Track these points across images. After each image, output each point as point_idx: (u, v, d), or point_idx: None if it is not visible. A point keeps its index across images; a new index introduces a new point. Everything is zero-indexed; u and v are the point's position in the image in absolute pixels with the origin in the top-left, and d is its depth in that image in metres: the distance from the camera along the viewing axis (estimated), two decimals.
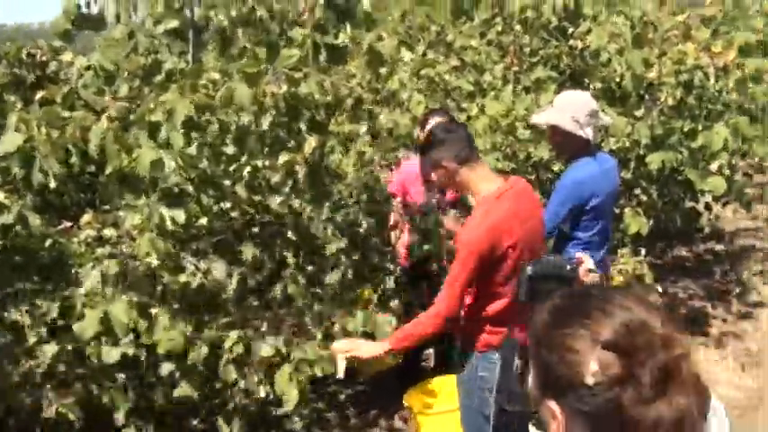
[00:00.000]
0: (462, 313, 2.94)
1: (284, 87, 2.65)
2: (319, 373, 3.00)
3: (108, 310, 2.65)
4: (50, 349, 3.07)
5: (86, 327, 2.63)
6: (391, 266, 3.73)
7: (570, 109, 3.50)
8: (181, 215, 2.70)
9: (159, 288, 2.94)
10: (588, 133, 3.50)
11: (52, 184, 2.65)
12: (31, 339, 3.07)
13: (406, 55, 4.54)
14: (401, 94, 4.84)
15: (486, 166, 3.00)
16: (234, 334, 3.08)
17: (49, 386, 3.07)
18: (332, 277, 3.29)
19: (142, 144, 2.53)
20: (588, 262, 2.63)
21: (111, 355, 2.90)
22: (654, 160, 4.81)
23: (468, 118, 4.45)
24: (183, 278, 3.04)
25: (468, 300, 2.94)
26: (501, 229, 2.78)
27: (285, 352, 3.07)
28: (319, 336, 3.13)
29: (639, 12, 5.41)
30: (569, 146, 3.58)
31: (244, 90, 2.49)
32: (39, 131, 2.63)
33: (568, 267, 2.36)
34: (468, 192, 3.02)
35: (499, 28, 5.14)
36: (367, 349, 2.94)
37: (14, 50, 3.58)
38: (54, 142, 2.61)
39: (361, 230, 3.46)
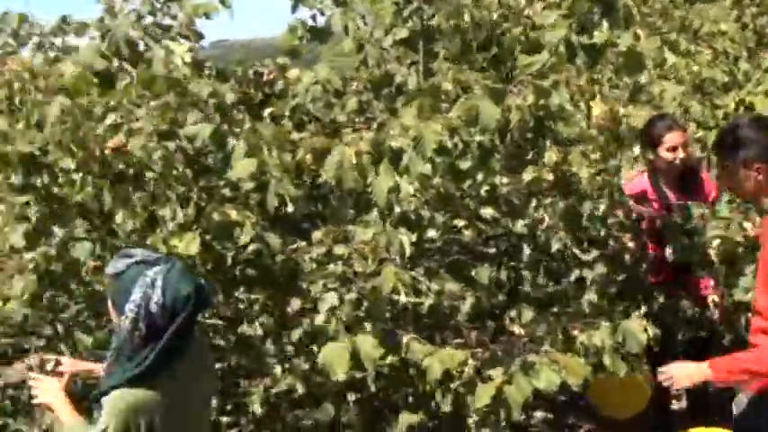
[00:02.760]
0: None
1: (530, 98, 2.39)
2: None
3: (355, 343, 2.53)
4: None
5: (334, 363, 2.53)
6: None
7: None
8: (415, 236, 2.54)
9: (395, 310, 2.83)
10: None
11: (290, 209, 2.61)
12: (268, 359, 3.09)
13: (670, 57, 4.04)
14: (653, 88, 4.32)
15: None
16: (462, 355, 2.88)
17: (284, 405, 3.07)
18: (585, 297, 3.00)
19: (380, 171, 2.38)
20: None
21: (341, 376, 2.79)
22: None
23: (726, 115, 3.90)
24: (415, 298, 2.90)
25: None
26: None
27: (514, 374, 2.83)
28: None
29: None
30: None
31: (490, 109, 2.25)
32: (270, 155, 2.59)
33: None
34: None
35: (753, 9, 4.48)
36: (684, 372, 2.58)
37: (243, 70, 3.64)
38: (287, 167, 2.55)
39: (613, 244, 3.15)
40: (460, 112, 2.30)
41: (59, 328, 3.11)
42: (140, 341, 2.00)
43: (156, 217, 3.14)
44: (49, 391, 2.23)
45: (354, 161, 2.38)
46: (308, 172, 2.67)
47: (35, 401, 2.29)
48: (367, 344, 2.57)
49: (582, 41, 2.51)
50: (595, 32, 2.54)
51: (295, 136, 2.80)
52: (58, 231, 2.86)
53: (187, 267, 2.15)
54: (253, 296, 3.26)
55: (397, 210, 2.61)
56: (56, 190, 2.83)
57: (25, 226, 2.72)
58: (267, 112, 3.45)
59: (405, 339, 2.84)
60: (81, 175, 2.77)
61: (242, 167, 2.66)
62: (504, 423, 2.52)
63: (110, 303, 2.13)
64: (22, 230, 2.69)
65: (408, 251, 2.58)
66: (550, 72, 2.48)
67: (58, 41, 3.86)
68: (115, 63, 3.13)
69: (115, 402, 1.99)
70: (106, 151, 2.76)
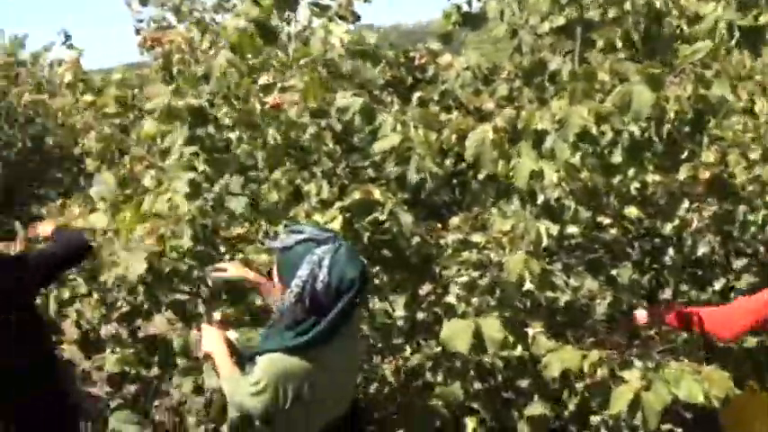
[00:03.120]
0: None
1: (689, 89, 2.26)
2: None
3: (479, 324, 2.52)
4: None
5: (456, 338, 2.53)
6: None
7: None
8: (556, 229, 2.48)
9: (528, 302, 2.78)
10: None
11: (429, 184, 2.61)
12: (397, 338, 3.13)
13: None
14: None
15: None
16: (596, 354, 2.79)
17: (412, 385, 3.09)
18: None
19: (523, 154, 2.34)
20: None
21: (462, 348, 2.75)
22: None
23: None
24: (550, 293, 2.84)
25: None
26: None
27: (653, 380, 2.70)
28: None
29: None
30: None
31: (645, 95, 2.15)
32: (416, 132, 2.61)
33: None
34: None
35: None
36: None
37: (395, 53, 3.68)
38: (431, 144, 2.56)
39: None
40: (614, 100, 2.21)
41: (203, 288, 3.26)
42: (302, 314, 2.08)
43: (300, 191, 3.24)
44: (211, 340, 2.36)
45: (492, 137, 2.34)
46: (451, 153, 2.65)
47: (200, 350, 2.44)
48: (491, 326, 2.55)
49: (742, 24, 2.34)
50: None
51: (443, 117, 2.80)
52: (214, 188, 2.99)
53: (354, 249, 2.21)
54: (386, 277, 3.30)
55: (540, 199, 2.54)
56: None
57: (190, 175, 2.83)
58: (416, 96, 3.47)
59: (532, 332, 2.80)
60: (238, 133, 2.89)
61: (387, 141, 2.68)
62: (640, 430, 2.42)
63: (275, 274, 2.22)
64: (186, 179, 2.80)
65: (545, 241, 2.52)
66: (711, 60, 2.33)
67: (218, 18, 4.06)
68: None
69: (272, 364, 2.09)
70: (266, 107, 2.86)
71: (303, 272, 2.05)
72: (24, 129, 7.50)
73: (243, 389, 2.14)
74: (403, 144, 2.79)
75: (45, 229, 3.10)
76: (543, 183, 2.42)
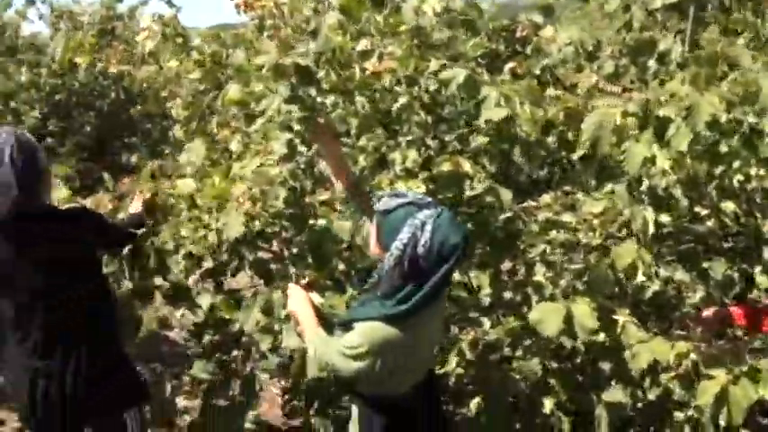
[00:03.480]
0: None
1: None
2: None
3: (571, 309, 2.47)
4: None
5: (546, 320, 2.49)
6: None
7: None
8: (664, 218, 2.39)
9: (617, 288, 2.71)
10: None
11: (530, 165, 2.54)
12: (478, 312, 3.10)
13: None
14: None
15: None
16: (683, 346, 2.71)
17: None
18: None
19: (641, 138, 2.24)
20: None
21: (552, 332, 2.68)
22: None
23: None
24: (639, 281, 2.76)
25: None
26: None
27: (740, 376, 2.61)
28: None
29: None
30: None
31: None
32: (521, 108, 2.54)
33: None
34: None
35: None
36: None
37: (496, 25, 3.58)
38: (536, 121, 2.49)
39: None
40: (736, 88, 2.10)
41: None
42: (399, 279, 2.07)
43: (385, 158, 3.22)
44: (297, 300, 2.40)
45: (618, 123, 2.25)
46: (555, 132, 2.57)
47: (286, 309, 2.47)
48: (583, 312, 2.49)
49: None
50: None
51: (551, 92, 2.71)
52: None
53: (455, 216, 2.17)
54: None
55: (645, 185, 2.45)
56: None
57: (287, 135, 2.84)
58: (507, 67, 3.38)
59: (621, 320, 2.73)
60: (333, 98, 2.88)
61: (494, 113, 2.60)
62: (723, 425, 2.34)
63: (372, 238, 2.22)
64: (285, 139, 2.81)
65: (652, 229, 2.43)
66: None
67: None
68: None
69: (374, 331, 2.08)
70: (366, 72, 2.84)
71: (404, 235, 2.04)
72: (118, 80, 7.70)
73: (336, 350, 2.14)
74: (508, 119, 2.72)
75: (136, 205, 3.20)
76: (652, 170, 2.33)
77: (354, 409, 2.35)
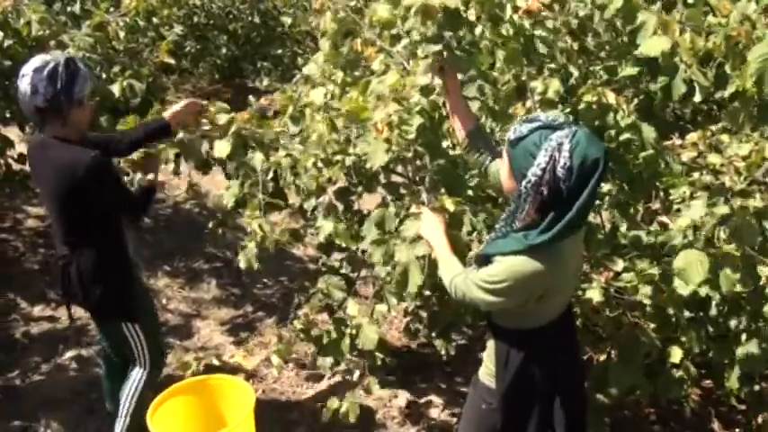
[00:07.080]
0: None
1: None
2: None
3: (717, 259, 2.34)
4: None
5: (691, 269, 2.37)
6: None
7: None
8: None
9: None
10: None
11: (698, 98, 2.35)
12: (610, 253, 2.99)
13: None
14: None
15: None
16: None
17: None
18: None
19: None
20: None
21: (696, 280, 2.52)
22: None
23: None
24: None
25: None
26: None
27: None
28: None
29: None
30: None
31: None
32: (681, 38, 2.35)
33: None
34: None
35: None
36: None
37: None
38: (697, 51, 2.30)
39: None
40: None
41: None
42: (539, 206, 1.96)
43: (524, 87, 3.11)
44: (431, 226, 2.36)
45: None
46: (713, 64, 2.39)
47: (418, 232, 2.46)
48: (729, 263, 2.34)
49: None
50: None
51: (710, 19, 2.50)
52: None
53: (593, 133, 2.03)
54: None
55: None
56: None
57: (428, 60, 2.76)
58: None
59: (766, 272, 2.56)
60: (481, 28, 2.80)
61: (654, 45, 2.43)
62: None
63: (504, 172, 2.11)
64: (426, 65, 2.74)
65: None
66: None
67: None
68: None
69: (520, 266, 1.98)
70: (519, 12, 2.75)
71: (541, 159, 1.90)
72: (254, 4, 7.84)
73: (474, 283, 2.09)
74: (670, 51, 2.54)
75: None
76: None
77: (490, 343, 2.31)
